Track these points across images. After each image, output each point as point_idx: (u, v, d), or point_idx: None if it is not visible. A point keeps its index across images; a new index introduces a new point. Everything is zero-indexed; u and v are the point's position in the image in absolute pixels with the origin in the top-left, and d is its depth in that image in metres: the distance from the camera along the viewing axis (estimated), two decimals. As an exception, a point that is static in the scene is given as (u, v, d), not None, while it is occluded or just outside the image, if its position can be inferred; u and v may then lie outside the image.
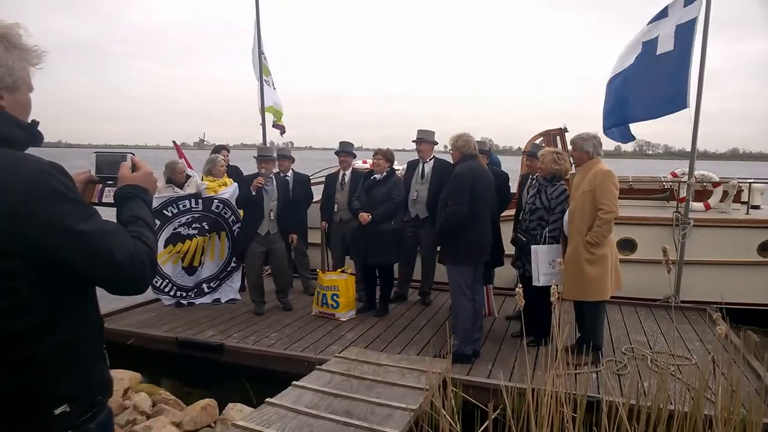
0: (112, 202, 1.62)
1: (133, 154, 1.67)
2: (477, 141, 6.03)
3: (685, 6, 6.18)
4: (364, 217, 5.76)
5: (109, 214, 1.58)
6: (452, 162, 4.93)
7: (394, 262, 6.17)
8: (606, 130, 6.84)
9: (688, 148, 6.44)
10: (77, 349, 1.39)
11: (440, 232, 4.68)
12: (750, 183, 7.26)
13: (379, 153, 5.98)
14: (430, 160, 6.28)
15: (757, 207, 7.29)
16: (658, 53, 6.22)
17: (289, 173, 6.82)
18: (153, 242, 1.49)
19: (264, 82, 8.51)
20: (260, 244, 5.99)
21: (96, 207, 1.54)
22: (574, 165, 5.10)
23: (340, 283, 5.93)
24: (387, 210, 5.78)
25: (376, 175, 5.93)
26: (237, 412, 3.68)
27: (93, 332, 1.46)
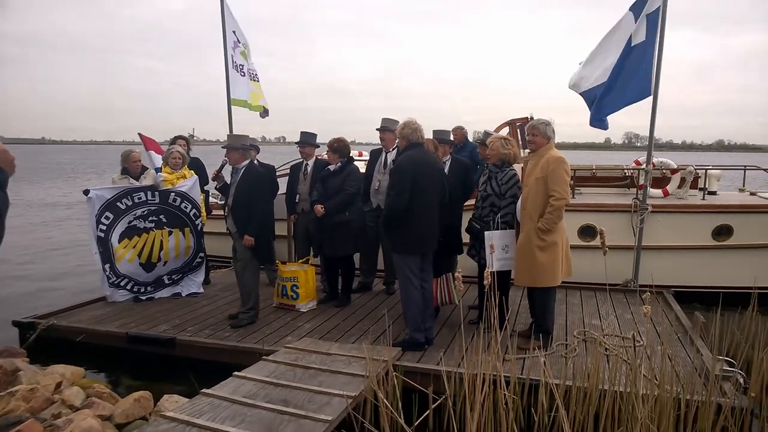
0: None
1: None
2: (439, 129, 6.02)
3: None
4: (318, 209, 5.74)
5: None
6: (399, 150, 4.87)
7: (351, 253, 6.13)
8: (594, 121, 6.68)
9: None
10: None
11: (383, 222, 4.64)
12: (706, 169, 7.34)
13: (328, 145, 5.91)
14: (393, 149, 6.21)
15: (713, 193, 7.37)
16: (633, 44, 6.18)
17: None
18: None
19: (237, 70, 8.16)
20: (233, 240, 5.57)
21: None
22: (528, 151, 5.09)
23: (300, 274, 5.90)
24: (339, 201, 5.75)
25: (329, 167, 5.90)
26: (172, 403, 3.65)
27: None
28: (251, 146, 6.28)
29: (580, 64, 6.74)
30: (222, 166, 5.66)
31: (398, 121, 6.32)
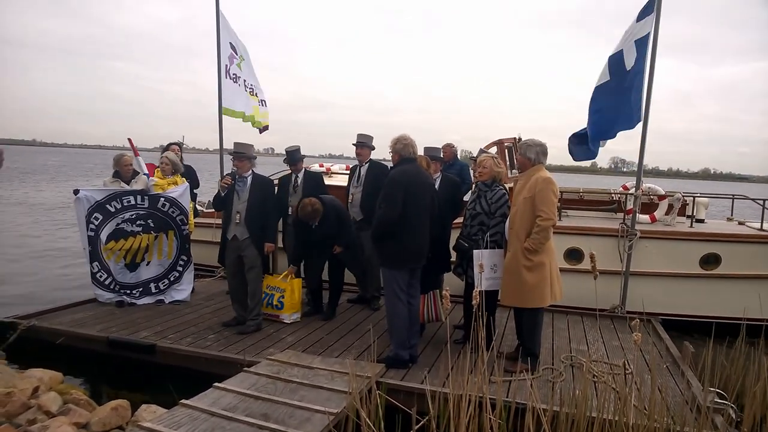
0: None
1: None
2: (429, 146, 6.04)
3: (638, 21, 6.25)
4: (337, 249, 5.89)
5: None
6: (392, 165, 4.87)
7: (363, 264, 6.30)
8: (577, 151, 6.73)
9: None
10: None
11: (373, 236, 4.61)
12: (694, 197, 7.37)
13: (303, 217, 5.68)
14: (367, 163, 6.37)
15: (701, 221, 7.40)
16: (627, 69, 6.18)
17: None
18: None
19: (234, 81, 8.02)
20: (232, 249, 5.57)
21: None
22: (517, 171, 5.11)
23: (286, 285, 5.84)
24: (349, 234, 5.92)
25: (312, 225, 5.75)
26: (150, 413, 3.55)
27: None
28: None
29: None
30: (235, 175, 5.58)
31: (372, 137, 6.47)
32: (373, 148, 6.46)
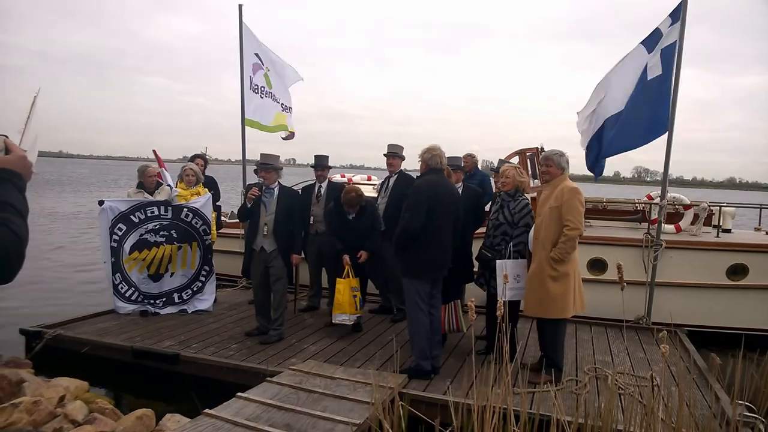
0: None
1: (7, 137, 1.57)
2: (451, 156, 6.03)
3: (660, 31, 6.21)
4: (364, 256, 5.77)
5: None
6: (418, 174, 4.88)
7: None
8: (594, 162, 6.68)
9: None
10: None
11: (396, 244, 4.61)
12: (720, 207, 7.23)
13: (345, 202, 5.68)
14: (396, 174, 6.36)
15: (728, 231, 7.25)
16: (649, 78, 6.15)
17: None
18: (22, 230, 1.42)
19: (257, 92, 8.06)
20: (259, 261, 5.54)
21: None
22: (541, 181, 5.07)
23: (338, 285, 5.70)
24: (376, 239, 5.85)
25: (349, 216, 5.75)
26: (174, 422, 3.58)
27: None
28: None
29: (578, 113, 6.77)
30: (262, 187, 5.59)
31: (403, 147, 6.49)
32: (404, 158, 6.46)
